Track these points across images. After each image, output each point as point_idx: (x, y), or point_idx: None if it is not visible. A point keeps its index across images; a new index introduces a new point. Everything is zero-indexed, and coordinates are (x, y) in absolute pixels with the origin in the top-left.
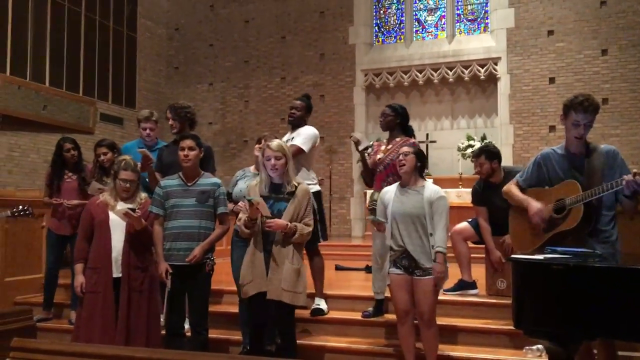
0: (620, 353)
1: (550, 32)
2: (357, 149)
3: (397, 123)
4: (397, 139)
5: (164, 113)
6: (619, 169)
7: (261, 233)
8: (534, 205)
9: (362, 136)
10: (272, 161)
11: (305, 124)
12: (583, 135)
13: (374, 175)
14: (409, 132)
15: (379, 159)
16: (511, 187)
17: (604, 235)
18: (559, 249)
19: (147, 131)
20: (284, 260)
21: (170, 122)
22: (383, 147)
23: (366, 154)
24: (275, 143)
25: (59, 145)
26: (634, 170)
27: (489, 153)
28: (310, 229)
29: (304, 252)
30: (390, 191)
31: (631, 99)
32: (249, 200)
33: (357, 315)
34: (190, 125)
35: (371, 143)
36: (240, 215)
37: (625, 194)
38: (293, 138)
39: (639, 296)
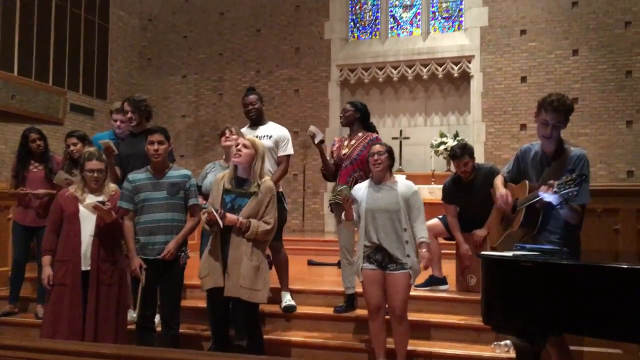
0: (578, 348)
1: (523, 32)
2: (314, 142)
3: (357, 118)
4: (360, 134)
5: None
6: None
7: (221, 227)
8: (499, 191)
9: (317, 129)
10: (240, 146)
11: (264, 118)
12: (550, 135)
13: (336, 169)
14: (370, 129)
15: (344, 154)
16: (497, 179)
17: (555, 237)
18: (527, 246)
19: (118, 123)
20: (242, 256)
21: (130, 115)
22: (346, 142)
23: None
24: (250, 135)
25: (25, 136)
26: (549, 182)
27: (471, 151)
28: (269, 227)
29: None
30: (362, 189)
31: (600, 99)
32: (203, 208)
33: (329, 311)
34: (146, 118)
35: (333, 140)
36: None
37: (555, 204)
38: (276, 145)
39: (604, 292)
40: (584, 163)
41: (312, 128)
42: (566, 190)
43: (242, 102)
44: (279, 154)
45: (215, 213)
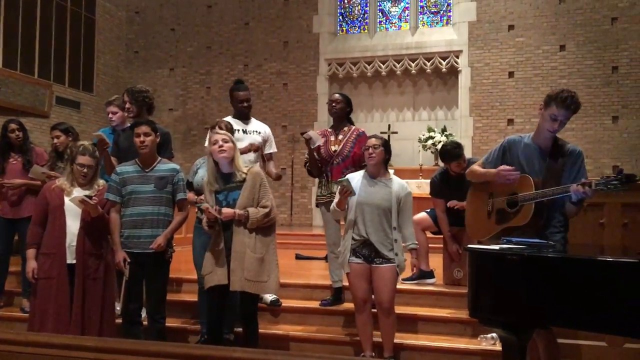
0: (564, 341)
1: (511, 27)
2: (308, 146)
3: (347, 112)
4: (345, 129)
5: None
6: (577, 171)
7: (221, 224)
8: (496, 169)
9: (317, 135)
10: (220, 142)
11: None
12: (556, 131)
13: (322, 166)
14: (351, 121)
15: (335, 151)
16: (474, 167)
17: (559, 233)
18: (514, 239)
19: (110, 115)
20: (245, 249)
21: (127, 105)
22: (333, 138)
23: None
24: (222, 129)
25: (4, 127)
26: (582, 180)
27: (462, 151)
28: (268, 210)
29: None
30: (356, 179)
31: (587, 95)
32: (199, 207)
33: (316, 304)
34: (148, 110)
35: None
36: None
37: (572, 200)
38: (261, 142)
39: (591, 285)
40: (583, 159)
41: (312, 133)
42: (611, 185)
43: (235, 96)
44: (268, 151)
45: (211, 210)
